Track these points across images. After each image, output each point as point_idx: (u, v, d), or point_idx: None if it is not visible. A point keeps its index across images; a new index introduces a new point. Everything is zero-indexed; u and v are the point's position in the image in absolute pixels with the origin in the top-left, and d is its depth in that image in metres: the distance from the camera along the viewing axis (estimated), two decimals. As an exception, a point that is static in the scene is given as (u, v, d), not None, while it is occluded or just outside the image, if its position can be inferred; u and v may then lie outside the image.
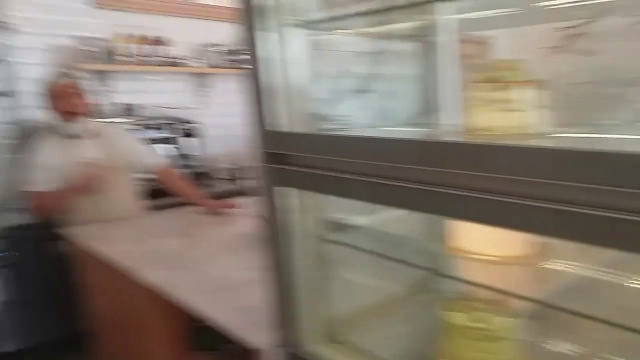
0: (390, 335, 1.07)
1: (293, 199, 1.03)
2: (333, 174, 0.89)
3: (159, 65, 3.46)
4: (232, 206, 2.33)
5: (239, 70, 3.85)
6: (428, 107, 1.12)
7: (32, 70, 3.12)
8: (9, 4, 3.01)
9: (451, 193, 0.70)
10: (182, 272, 1.61)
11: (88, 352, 2.24)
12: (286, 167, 0.99)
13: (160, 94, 3.72)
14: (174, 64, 3.54)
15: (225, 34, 3.89)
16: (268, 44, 0.96)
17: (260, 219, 1.07)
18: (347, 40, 1.14)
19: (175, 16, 3.67)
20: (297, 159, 0.98)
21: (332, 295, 1.09)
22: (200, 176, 3.41)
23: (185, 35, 3.72)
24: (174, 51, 3.57)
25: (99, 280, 2.01)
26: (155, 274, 1.58)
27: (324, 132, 1.02)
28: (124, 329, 1.89)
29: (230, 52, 3.83)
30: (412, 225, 1.17)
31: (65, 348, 2.63)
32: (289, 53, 0.97)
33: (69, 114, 2.26)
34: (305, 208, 1.05)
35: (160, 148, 3.19)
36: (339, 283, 1.11)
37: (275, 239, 1.05)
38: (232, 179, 3.77)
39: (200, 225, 2.25)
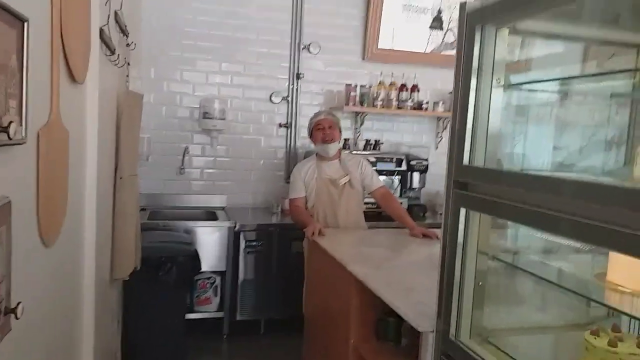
0: (534, 348, 1.22)
1: (471, 221, 1.29)
2: (500, 200, 1.14)
3: (406, 108, 4.00)
4: (434, 234, 2.61)
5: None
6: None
7: (308, 108, 4.05)
8: (303, 59, 4.00)
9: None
10: (380, 271, 1.99)
11: (303, 334, 2.80)
12: (469, 193, 1.27)
13: (402, 133, 4.28)
14: (419, 108, 4.03)
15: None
16: (473, 97, 1.27)
17: (442, 236, 1.36)
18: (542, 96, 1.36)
19: (425, 66, 4.17)
20: (478, 187, 1.25)
21: (491, 305, 1.30)
22: (417, 207, 3.78)
23: (431, 82, 4.19)
24: (420, 96, 4.06)
25: (320, 271, 2.55)
26: (359, 269, 1.99)
27: (498, 168, 1.26)
28: (328, 313, 2.35)
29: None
30: (573, 263, 1.29)
31: (288, 327, 3.28)
32: (486, 107, 1.26)
33: (325, 140, 2.92)
34: (481, 231, 1.30)
35: (388, 178, 3.72)
36: (498, 298, 1.31)
37: (451, 251, 1.32)
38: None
39: (405, 243, 2.61)
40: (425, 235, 2.63)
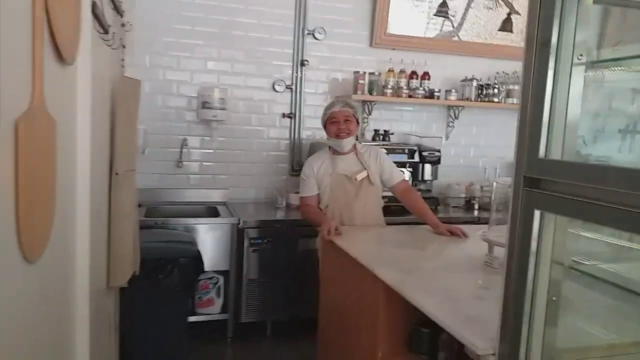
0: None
1: (545, 226, 1.08)
2: (589, 201, 0.93)
3: (417, 97, 3.78)
4: (461, 231, 2.41)
5: (489, 103, 3.91)
6: None
7: (313, 97, 3.82)
8: (307, 46, 3.75)
9: None
10: (412, 276, 1.78)
11: (314, 337, 2.59)
12: (545, 192, 1.05)
13: (413, 122, 4.07)
14: (430, 96, 3.81)
15: (479, 69, 4.01)
16: (546, 81, 1.05)
17: (508, 241, 1.14)
18: (627, 77, 1.14)
19: (436, 53, 3.95)
20: (555, 185, 1.04)
21: (563, 324, 1.09)
22: (431, 200, 3.58)
23: (443, 70, 3.98)
24: (431, 84, 3.84)
25: (337, 272, 2.33)
26: (388, 273, 1.78)
27: (585, 161, 1.05)
28: (349, 319, 2.14)
29: (482, 86, 3.91)
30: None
31: (297, 329, 3.09)
32: (565, 90, 1.04)
33: (339, 135, 2.66)
34: (556, 237, 1.09)
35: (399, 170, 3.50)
36: (571, 314, 1.10)
37: (521, 260, 1.11)
38: (464, 207, 3.85)
39: (432, 242, 2.41)
40: (452, 233, 2.42)
